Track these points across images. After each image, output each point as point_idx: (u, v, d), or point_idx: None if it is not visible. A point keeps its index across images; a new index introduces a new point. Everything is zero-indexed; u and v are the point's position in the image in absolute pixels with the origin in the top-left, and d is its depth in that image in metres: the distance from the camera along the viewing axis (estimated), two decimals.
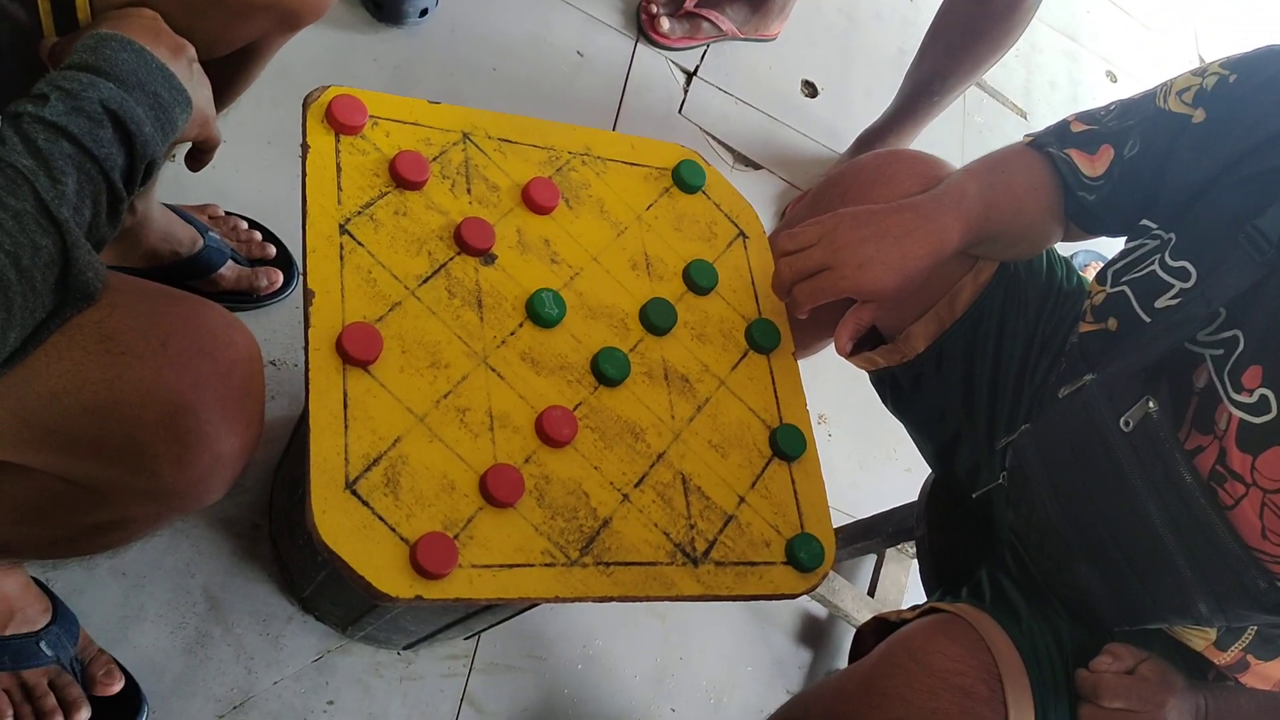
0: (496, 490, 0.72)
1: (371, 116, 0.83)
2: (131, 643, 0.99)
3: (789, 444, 0.87)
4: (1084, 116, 0.92)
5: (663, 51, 1.77)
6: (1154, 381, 0.80)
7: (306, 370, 0.70)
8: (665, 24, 1.75)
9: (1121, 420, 0.78)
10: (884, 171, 0.96)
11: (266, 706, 1.01)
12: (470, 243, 0.81)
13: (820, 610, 1.41)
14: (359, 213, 0.78)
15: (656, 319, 0.86)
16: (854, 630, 1.36)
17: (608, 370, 0.81)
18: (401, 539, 0.68)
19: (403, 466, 0.70)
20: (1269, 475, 0.72)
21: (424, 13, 1.49)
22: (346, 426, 0.70)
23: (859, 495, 1.53)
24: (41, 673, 0.90)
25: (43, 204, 0.57)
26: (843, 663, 1.38)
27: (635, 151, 0.96)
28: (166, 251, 1.09)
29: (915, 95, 1.63)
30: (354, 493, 0.68)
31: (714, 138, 1.74)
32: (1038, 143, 0.92)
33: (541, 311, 0.81)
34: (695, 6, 1.78)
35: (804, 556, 0.82)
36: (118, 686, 0.93)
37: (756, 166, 1.77)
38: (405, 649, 1.10)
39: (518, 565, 0.72)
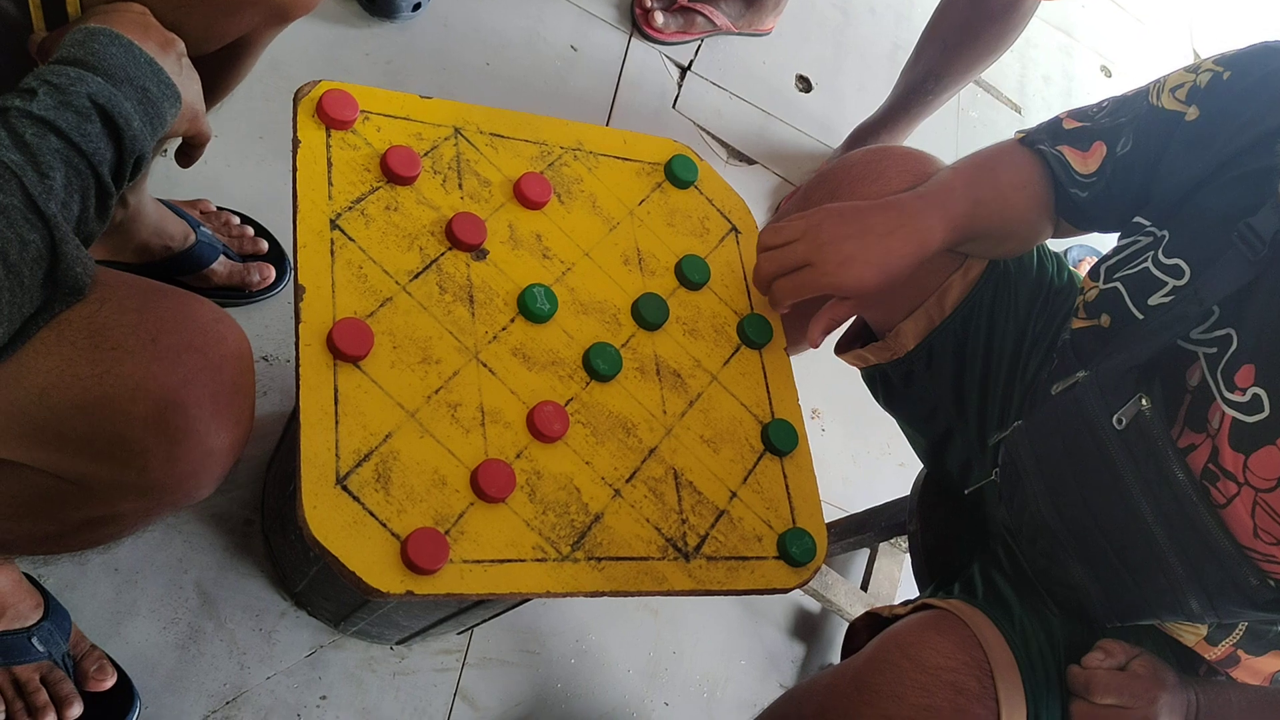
0: (488, 485, 0.72)
1: (363, 111, 0.82)
2: (124, 638, 0.99)
3: (781, 439, 0.87)
4: (1076, 113, 0.91)
5: (656, 46, 1.77)
6: (1147, 379, 0.80)
7: (297, 365, 0.70)
8: (659, 18, 1.75)
9: (1114, 417, 0.78)
10: (873, 168, 0.96)
11: (259, 702, 1.01)
12: (462, 238, 0.81)
13: (813, 604, 1.41)
14: (350, 208, 0.78)
15: (648, 314, 0.86)
16: (847, 624, 1.37)
17: (599, 365, 0.81)
18: (393, 534, 0.68)
19: (394, 462, 0.70)
20: (1261, 474, 0.72)
21: (417, 7, 1.49)
22: (337, 422, 0.70)
23: (851, 490, 1.53)
24: (33, 668, 0.90)
25: (30, 199, 0.57)
26: (835, 657, 1.39)
27: (628, 146, 0.96)
28: (158, 246, 1.09)
29: (910, 93, 1.63)
30: (345, 488, 0.68)
31: (708, 132, 1.74)
32: (1029, 139, 0.92)
33: (533, 307, 0.81)
34: (689, 1, 1.77)
35: (796, 551, 0.82)
36: (110, 682, 0.93)
37: (750, 161, 1.77)
38: (398, 644, 1.10)
39: (509, 560, 0.72)
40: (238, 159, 1.27)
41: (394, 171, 0.80)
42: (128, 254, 1.08)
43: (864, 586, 1.41)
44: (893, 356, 1.01)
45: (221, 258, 1.15)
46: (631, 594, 0.75)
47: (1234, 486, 0.74)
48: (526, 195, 0.86)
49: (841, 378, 1.11)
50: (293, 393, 0.70)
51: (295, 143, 0.78)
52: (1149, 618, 0.83)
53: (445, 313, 0.78)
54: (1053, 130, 0.91)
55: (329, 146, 0.80)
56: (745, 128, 1.79)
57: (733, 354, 0.90)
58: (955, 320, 0.97)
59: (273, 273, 1.19)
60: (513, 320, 0.81)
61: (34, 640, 0.89)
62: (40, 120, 0.59)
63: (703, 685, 1.28)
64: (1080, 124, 0.90)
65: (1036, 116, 2.30)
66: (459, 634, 1.14)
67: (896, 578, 1.43)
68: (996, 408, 0.98)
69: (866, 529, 1.30)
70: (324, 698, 1.04)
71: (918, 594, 1.07)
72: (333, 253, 0.75)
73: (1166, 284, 0.80)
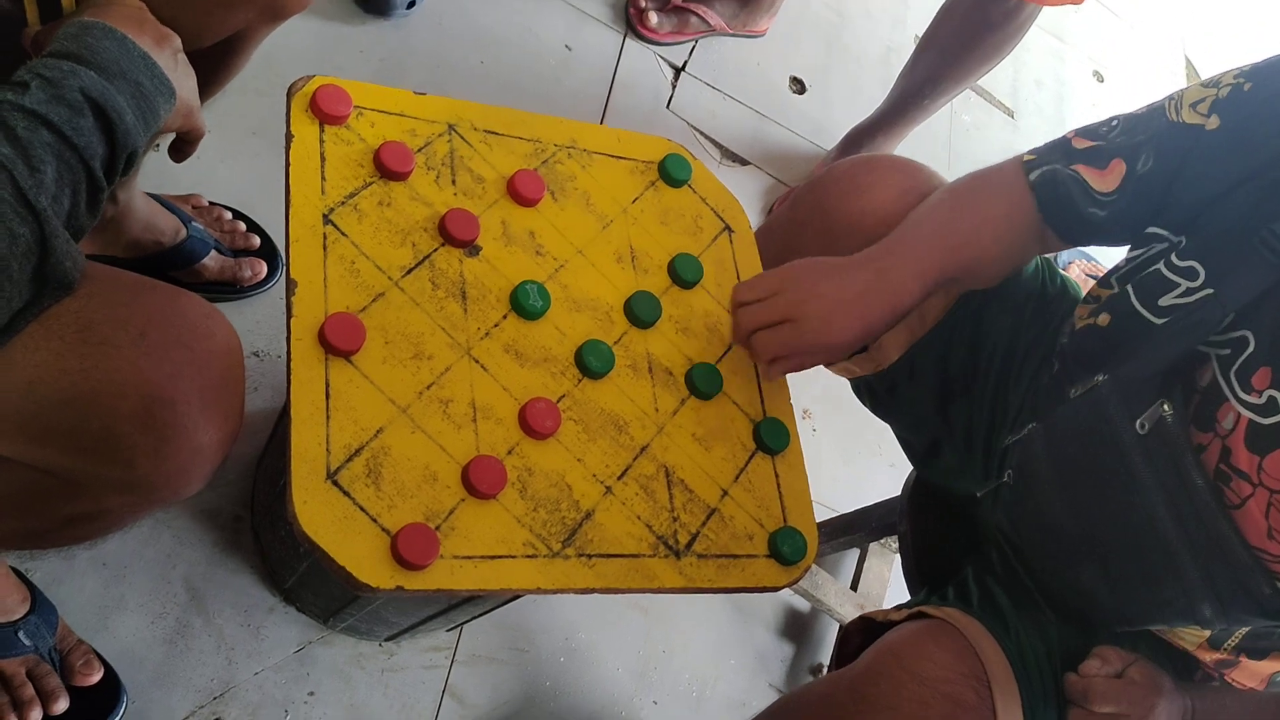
0: (479, 482, 0.72)
1: (356, 107, 0.82)
2: (111, 633, 0.98)
3: (773, 438, 0.87)
4: (1084, 132, 0.89)
5: (651, 46, 1.77)
6: (1168, 384, 0.79)
7: (289, 360, 0.70)
8: (653, 19, 1.75)
9: (1137, 423, 0.78)
10: (860, 182, 0.96)
11: (247, 697, 1.01)
12: (455, 234, 0.81)
13: (803, 604, 1.41)
14: (343, 203, 0.78)
15: (641, 312, 0.86)
16: (837, 624, 1.37)
17: (592, 363, 0.81)
18: (383, 530, 0.68)
19: (385, 457, 0.70)
20: (1277, 476, 0.72)
21: (411, 5, 1.49)
22: (328, 417, 0.69)
23: (842, 490, 1.53)
24: (19, 662, 0.89)
25: (20, 192, 0.56)
26: (824, 656, 1.39)
27: (621, 145, 0.96)
28: (149, 241, 1.08)
29: (906, 99, 1.63)
30: (335, 483, 0.68)
31: (701, 133, 1.74)
32: (1038, 161, 0.89)
33: (526, 304, 0.81)
34: (684, 1, 1.78)
35: (786, 550, 0.82)
36: (96, 676, 0.93)
37: (744, 162, 1.78)
38: (387, 640, 1.10)
39: (499, 557, 0.72)
40: (231, 154, 1.27)
41: (387, 167, 0.80)
42: (119, 249, 1.08)
43: (854, 586, 1.41)
44: (877, 368, 1.01)
45: (213, 253, 1.14)
46: (622, 591, 0.75)
47: (1249, 487, 0.74)
48: (520, 192, 0.86)
49: (833, 378, 1.12)
50: (284, 390, 0.69)
51: (288, 137, 0.78)
52: (1159, 623, 0.82)
53: (437, 308, 0.78)
54: (1064, 150, 0.88)
55: (322, 141, 0.80)
56: (739, 129, 1.80)
57: (724, 352, 0.90)
58: (938, 332, 0.97)
59: (264, 268, 1.19)
60: (505, 317, 0.81)
61: (20, 634, 0.89)
62: (32, 113, 0.58)
63: (692, 684, 1.28)
64: (1093, 142, 0.87)
65: (1028, 120, 2.31)
66: (448, 631, 1.14)
67: (886, 578, 1.43)
68: (985, 416, 0.97)
69: (857, 529, 1.30)
70: (312, 694, 1.04)
71: (908, 595, 1.07)
72: (325, 247, 0.75)
73: (1179, 285, 0.79)
